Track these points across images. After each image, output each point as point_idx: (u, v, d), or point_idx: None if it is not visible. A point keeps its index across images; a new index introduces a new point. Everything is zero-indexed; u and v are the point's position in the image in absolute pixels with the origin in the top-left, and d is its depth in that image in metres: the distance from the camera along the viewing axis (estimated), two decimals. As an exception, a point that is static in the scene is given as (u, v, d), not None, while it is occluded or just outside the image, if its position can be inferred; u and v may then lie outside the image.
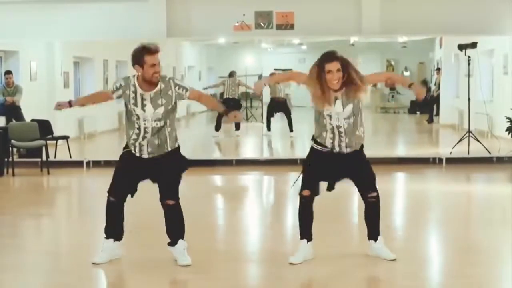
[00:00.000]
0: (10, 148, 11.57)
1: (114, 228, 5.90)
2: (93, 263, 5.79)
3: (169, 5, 12.24)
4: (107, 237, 5.91)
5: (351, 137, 5.64)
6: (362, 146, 5.80)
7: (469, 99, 12.42)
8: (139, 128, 5.65)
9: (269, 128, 15.24)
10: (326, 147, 5.69)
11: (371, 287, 5.60)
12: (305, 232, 5.84)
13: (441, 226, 7.47)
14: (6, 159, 11.47)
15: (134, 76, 5.67)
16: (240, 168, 12.00)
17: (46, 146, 11.62)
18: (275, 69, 16.99)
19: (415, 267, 5.83)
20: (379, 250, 5.84)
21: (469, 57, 12.47)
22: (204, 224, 7.46)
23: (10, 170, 11.34)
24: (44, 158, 11.59)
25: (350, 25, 12.27)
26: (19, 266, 6.03)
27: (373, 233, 5.86)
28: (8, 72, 12.99)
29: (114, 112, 16.99)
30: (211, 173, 11.48)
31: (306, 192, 5.76)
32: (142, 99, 5.60)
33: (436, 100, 18.13)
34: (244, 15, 12.23)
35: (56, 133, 12.51)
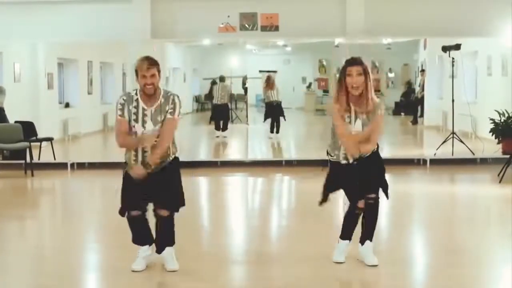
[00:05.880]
0: (-6, 150, 11.51)
1: (145, 236, 5.74)
2: (133, 270, 5.63)
3: (154, 6, 12.21)
4: (142, 245, 5.74)
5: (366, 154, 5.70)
6: (377, 147, 5.86)
7: (453, 100, 12.48)
8: (136, 149, 5.45)
9: (272, 131, 15.73)
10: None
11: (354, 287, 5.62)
12: (349, 234, 5.88)
13: (425, 227, 7.49)
14: (-11, 161, 11.42)
15: (134, 90, 5.49)
16: (225, 169, 12.00)
17: (30, 148, 11.53)
18: (260, 71, 17.12)
19: (398, 268, 5.85)
20: (363, 253, 5.84)
21: (453, 58, 12.52)
22: (190, 226, 7.45)
23: (-6, 172, 11.29)
24: (28, 160, 11.51)
25: (335, 27, 12.29)
26: (2, 268, 5.99)
27: (364, 235, 5.85)
28: (-9, 74, 12.91)
29: (98, 113, 16.97)
30: (196, 174, 11.43)
31: (361, 204, 5.77)
32: (143, 114, 5.40)
33: (420, 101, 18.25)
34: (228, 16, 12.23)
35: (40, 134, 12.44)
